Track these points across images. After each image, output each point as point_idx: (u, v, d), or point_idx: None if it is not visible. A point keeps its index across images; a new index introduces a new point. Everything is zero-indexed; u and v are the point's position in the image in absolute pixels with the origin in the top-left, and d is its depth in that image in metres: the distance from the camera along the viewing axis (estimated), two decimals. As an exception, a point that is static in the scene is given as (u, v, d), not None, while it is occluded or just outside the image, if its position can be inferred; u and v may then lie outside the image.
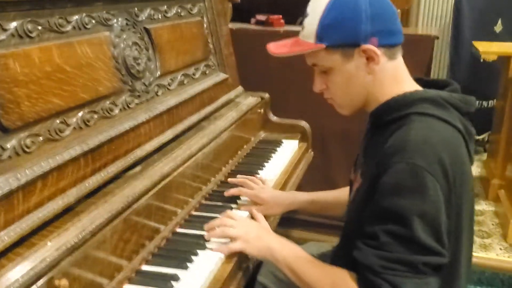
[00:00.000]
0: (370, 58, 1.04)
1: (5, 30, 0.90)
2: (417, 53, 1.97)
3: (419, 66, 1.97)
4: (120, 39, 1.25)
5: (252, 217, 1.32)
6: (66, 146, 1.00)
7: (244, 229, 1.17)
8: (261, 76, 2.28)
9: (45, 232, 0.88)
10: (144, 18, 1.39)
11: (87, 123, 1.09)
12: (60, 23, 1.05)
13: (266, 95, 2.05)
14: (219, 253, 1.12)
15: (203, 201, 1.40)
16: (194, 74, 1.65)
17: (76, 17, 1.10)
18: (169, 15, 1.54)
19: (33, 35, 0.97)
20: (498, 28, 3.36)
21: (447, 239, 0.97)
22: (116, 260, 1.00)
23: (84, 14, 1.13)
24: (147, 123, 1.28)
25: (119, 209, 1.01)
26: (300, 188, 1.72)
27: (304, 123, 2.05)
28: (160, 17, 1.48)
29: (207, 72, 1.75)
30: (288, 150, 1.85)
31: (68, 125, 1.03)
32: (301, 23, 1.12)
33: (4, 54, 0.88)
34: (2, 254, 0.80)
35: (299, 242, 1.50)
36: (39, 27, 0.99)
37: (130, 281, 1.02)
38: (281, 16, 2.33)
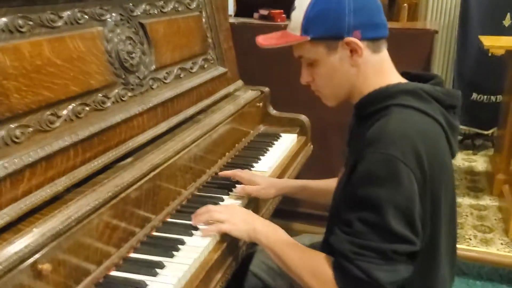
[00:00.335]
0: (353, 51, 1.07)
1: (-5, 25, 0.94)
2: (416, 47, 1.97)
3: (418, 61, 1.97)
4: (114, 33, 1.29)
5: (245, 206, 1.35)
6: (56, 137, 1.04)
7: (230, 212, 1.21)
8: (264, 70, 2.30)
9: (32, 219, 0.92)
10: (139, 13, 1.42)
11: (78, 115, 1.12)
12: (51, 18, 1.08)
13: (266, 89, 2.08)
14: (205, 242, 1.16)
15: (196, 192, 1.43)
16: (191, 68, 1.68)
17: (68, 12, 1.14)
18: (165, 10, 1.57)
19: (23, 30, 1.00)
20: (507, 22, 3.32)
21: (422, 228, 0.99)
22: (103, 247, 1.04)
23: (76, 10, 1.17)
24: (140, 116, 1.32)
25: (106, 198, 1.05)
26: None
27: (303, 117, 2.07)
28: (156, 12, 1.51)
29: (206, 66, 1.78)
30: (285, 144, 1.87)
31: (58, 116, 1.07)
32: (288, 17, 1.15)
33: (-7, 48, 0.92)
34: (-11, 238, 0.84)
35: (299, 234, 1.54)
36: (30, 23, 1.03)
37: (117, 267, 1.06)
38: (282, 11, 2.34)
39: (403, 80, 1.12)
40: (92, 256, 1.01)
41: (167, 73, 1.52)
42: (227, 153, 1.71)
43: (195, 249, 1.13)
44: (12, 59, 0.96)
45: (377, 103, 1.07)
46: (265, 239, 1.14)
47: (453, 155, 1.10)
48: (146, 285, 1.00)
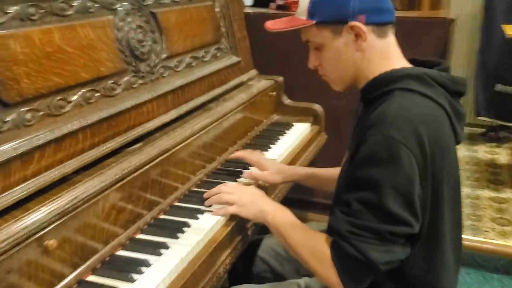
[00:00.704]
0: (358, 35, 1.08)
1: (6, 13, 0.98)
2: (432, 36, 1.95)
3: (433, 50, 1.95)
4: (125, 22, 1.32)
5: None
6: (65, 121, 1.08)
7: (240, 194, 1.25)
8: (280, 60, 2.31)
9: (41, 198, 0.97)
10: (151, 2, 1.45)
11: (88, 101, 1.17)
12: (62, 7, 1.13)
13: (280, 79, 2.09)
14: (209, 225, 1.19)
15: (205, 178, 1.46)
16: (203, 57, 1.70)
17: (79, 1, 1.18)
18: (178, -1, 1.60)
19: (34, 18, 1.05)
20: (533, 11, 3.24)
21: (423, 212, 1.00)
22: (110, 227, 1.08)
23: (87, -1, 1.21)
24: (150, 103, 1.35)
25: (113, 180, 1.09)
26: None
27: (317, 106, 2.07)
28: (168, 1, 1.54)
29: (218, 55, 1.80)
30: (297, 133, 1.88)
31: (68, 102, 1.11)
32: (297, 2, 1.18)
33: (4, 35, 0.97)
34: (0, 215, 0.89)
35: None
36: (41, 11, 1.07)
37: (124, 247, 1.10)
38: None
39: (408, 65, 1.12)
40: (98, 235, 1.05)
41: (178, 61, 1.55)
42: (238, 141, 1.73)
43: (200, 231, 1.16)
44: (23, 46, 1.00)
45: (381, 87, 1.08)
46: (271, 220, 1.17)
47: (457, 141, 1.10)
48: (150, 264, 1.03)
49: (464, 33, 3.64)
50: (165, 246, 1.10)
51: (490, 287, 2.14)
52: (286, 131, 1.88)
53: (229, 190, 1.28)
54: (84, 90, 1.16)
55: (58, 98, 1.08)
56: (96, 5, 1.23)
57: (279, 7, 2.47)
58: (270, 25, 1.22)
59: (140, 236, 1.15)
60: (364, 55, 1.10)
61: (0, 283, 0.82)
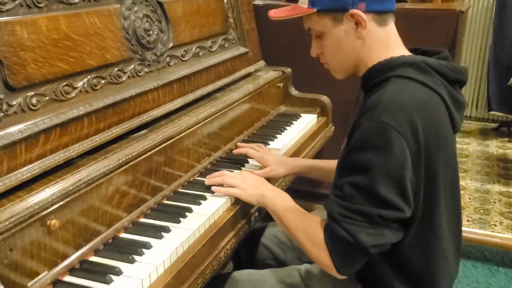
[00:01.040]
0: (358, 23, 1.09)
1: (14, 0, 1.01)
2: (440, 28, 1.94)
3: (441, 42, 1.94)
4: (131, 11, 1.35)
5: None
6: (71, 107, 1.11)
7: (242, 178, 1.28)
8: (289, 52, 2.31)
9: (45, 180, 1.00)
10: (158, -8, 1.48)
11: (94, 87, 1.19)
12: (69, -5, 1.15)
13: (288, 70, 2.10)
14: (211, 210, 1.21)
15: (210, 167, 1.48)
16: (210, 47, 1.72)
17: (86, -10, 1.20)
18: (185, -11, 1.61)
19: (41, 5, 1.07)
20: (547, 4, 3.19)
21: (416, 198, 1.01)
22: (113, 210, 1.10)
23: (94, -13, 1.23)
24: (156, 90, 1.38)
25: (116, 165, 1.11)
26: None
27: (324, 98, 2.08)
28: (175, -8, 1.56)
29: (226, 45, 1.82)
30: (303, 124, 1.89)
31: (74, 88, 1.14)
32: None
33: (11, 21, 0.99)
34: (4, 195, 0.92)
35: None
36: (48, -1, 1.10)
37: (126, 230, 1.13)
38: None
39: (408, 54, 1.13)
40: (101, 218, 1.07)
41: (185, 51, 1.57)
42: (244, 131, 1.75)
43: (201, 216, 1.18)
44: (30, 32, 1.03)
45: (379, 75, 1.09)
46: (270, 204, 1.20)
47: (455, 130, 1.11)
48: (151, 246, 1.06)
49: (477, 27, 3.61)
50: (167, 229, 1.12)
51: (496, 280, 2.14)
52: (293, 122, 1.89)
53: (231, 174, 1.31)
54: (90, 77, 1.18)
55: (64, 84, 1.11)
56: (103, -6, 1.26)
57: (289, -1, 2.48)
58: (273, 13, 1.24)
59: (143, 220, 1.18)
60: (365, 43, 1.11)
61: (3, 260, 0.85)
